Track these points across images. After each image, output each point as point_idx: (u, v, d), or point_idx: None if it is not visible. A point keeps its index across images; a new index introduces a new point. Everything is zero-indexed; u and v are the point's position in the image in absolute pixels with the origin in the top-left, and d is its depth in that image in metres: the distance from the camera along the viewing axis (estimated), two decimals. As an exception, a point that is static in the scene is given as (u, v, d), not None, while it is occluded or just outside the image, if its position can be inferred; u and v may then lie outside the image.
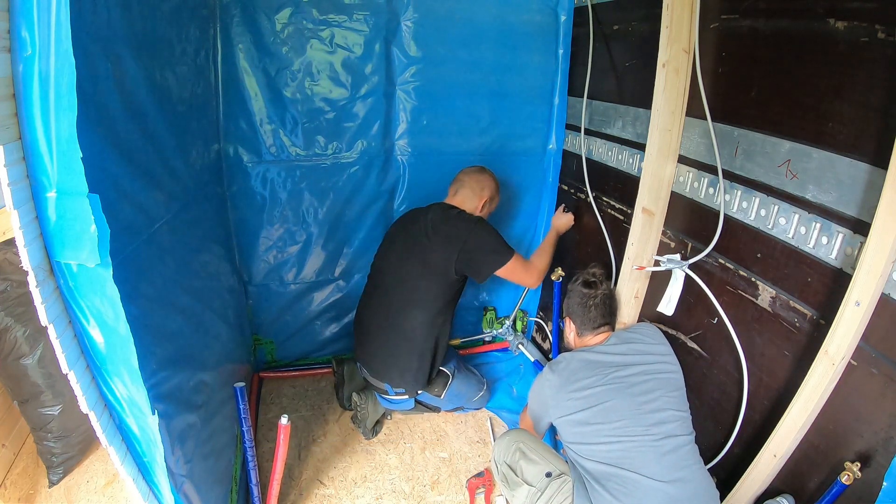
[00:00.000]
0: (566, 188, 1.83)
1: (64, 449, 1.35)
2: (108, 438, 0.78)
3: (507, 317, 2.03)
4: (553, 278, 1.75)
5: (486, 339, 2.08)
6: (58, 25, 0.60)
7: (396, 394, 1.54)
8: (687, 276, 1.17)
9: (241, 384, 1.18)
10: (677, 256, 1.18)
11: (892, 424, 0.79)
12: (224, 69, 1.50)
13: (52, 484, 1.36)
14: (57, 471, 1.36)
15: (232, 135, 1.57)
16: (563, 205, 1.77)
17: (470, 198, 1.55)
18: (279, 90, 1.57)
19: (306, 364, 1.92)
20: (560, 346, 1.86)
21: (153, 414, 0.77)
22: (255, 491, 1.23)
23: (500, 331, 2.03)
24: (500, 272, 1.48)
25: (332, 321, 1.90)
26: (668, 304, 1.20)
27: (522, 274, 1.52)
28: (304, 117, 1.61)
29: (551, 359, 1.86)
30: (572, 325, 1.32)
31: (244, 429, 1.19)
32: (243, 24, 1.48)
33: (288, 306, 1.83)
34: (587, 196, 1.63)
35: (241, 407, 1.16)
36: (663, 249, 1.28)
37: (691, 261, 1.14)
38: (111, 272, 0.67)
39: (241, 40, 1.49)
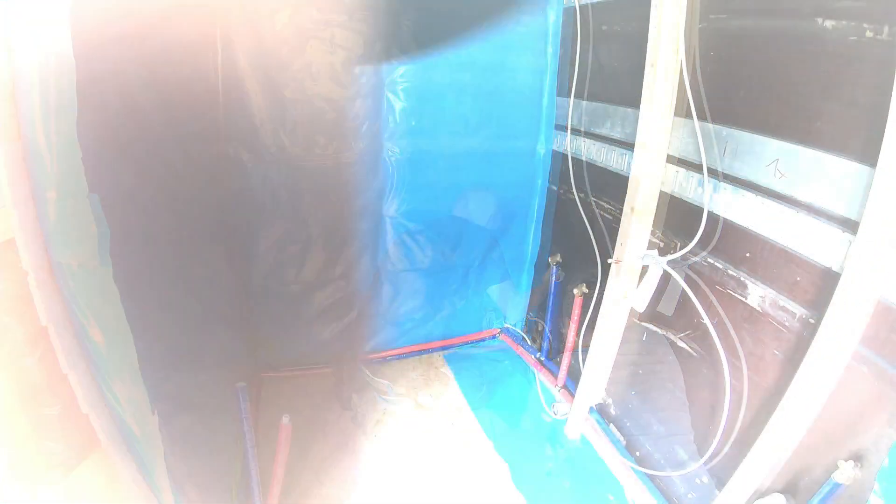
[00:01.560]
0: (556, 188, 1.84)
1: (63, 450, 1.35)
2: (108, 438, 0.79)
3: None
4: (552, 271, 1.76)
5: (486, 338, 2.09)
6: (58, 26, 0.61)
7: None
8: (678, 276, 1.17)
9: (243, 384, 1.19)
10: (654, 252, 1.18)
11: (882, 423, 0.80)
12: (224, 70, 1.52)
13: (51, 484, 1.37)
14: (55, 471, 1.37)
15: (233, 135, 1.59)
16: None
17: None
18: (279, 90, 1.58)
19: (306, 364, 1.93)
20: (559, 346, 1.86)
21: (153, 413, 0.78)
22: (256, 490, 1.24)
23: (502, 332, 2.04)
24: None
25: (332, 321, 1.91)
26: (639, 300, 1.19)
27: None
28: (304, 117, 1.62)
29: (541, 358, 1.87)
30: None
31: (245, 428, 1.20)
32: (244, 24, 1.49)
33: (288, 306, 1.84)
34: (577, 196, 1.63)
35: (243, 407, 1.17)
36: (653, 248, 1.29)
37: (669, 257, 1.14)
38: (111, 272, 0.68)
39: (241, 40, 1.50)
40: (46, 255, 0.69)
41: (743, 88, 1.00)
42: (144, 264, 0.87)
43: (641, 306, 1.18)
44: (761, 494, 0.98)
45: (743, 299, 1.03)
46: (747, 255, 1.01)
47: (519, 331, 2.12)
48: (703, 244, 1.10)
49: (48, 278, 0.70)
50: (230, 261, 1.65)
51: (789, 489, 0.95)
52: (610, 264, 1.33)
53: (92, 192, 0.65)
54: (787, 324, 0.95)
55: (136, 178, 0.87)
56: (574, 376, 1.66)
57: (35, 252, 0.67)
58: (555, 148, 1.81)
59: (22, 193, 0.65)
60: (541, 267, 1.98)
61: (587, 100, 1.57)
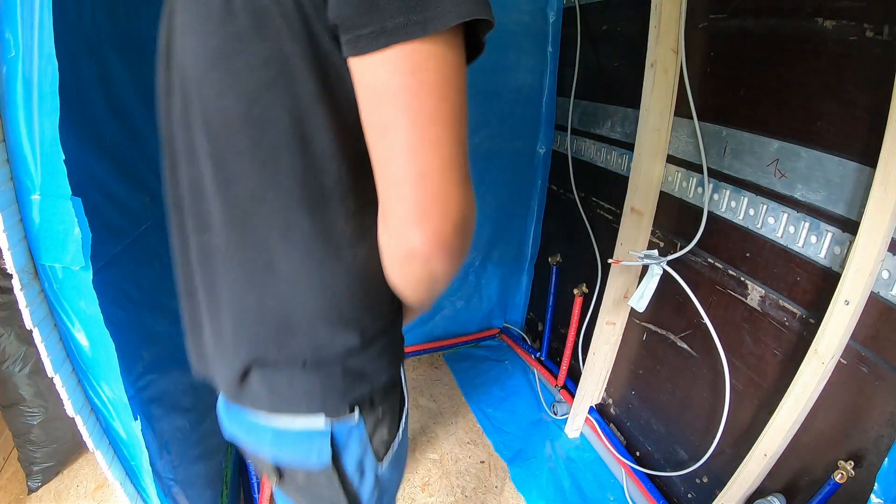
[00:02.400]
0: (556, 188, 1.83)
1: (44, 458, 1.33)
2: (94, 442, 0.78)
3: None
4: (552, 263, 1.75)
5: (486, 338, 2.08)
6: (41, 27, 0.60)
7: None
8: (679, 276, 1.17)
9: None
10: (654, 252, 1.18)
11: (882, 422, 0.80)
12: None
13: (31, 491, 1.35)
14: (35, 478, 1.35)
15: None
16: None
17: None
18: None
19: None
20: (559, 346, 1.86)
21: (136, 419, 0.77)
22: (256, 488, 1.26)
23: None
24: None
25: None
26: (640, 300, 1.18)
27: None
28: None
29: (541, 358, 1.86)
30: None
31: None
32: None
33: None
34: (576, 196, 1.63)
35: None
36: (653, 248, 1.29)
37: (670, 257, 1.14)
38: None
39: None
40: (31, 257, 0.68)
41: (743, 88, 0.99)
42: (130, 267, 0.86)
43: (641, 306, 1.17)
44: (761, 494, 0.97)
45: (743, 299, 1.03)
46: (747, 255, 1.01)
47: (519, 331, 2.11)
48: (703, 244, 1.10)
49: (33, 281, 0.68)
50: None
51: (789, 489, 0.95)
52: (610, 264, 1.33)
53: (75, 195, 0.64)
54: (787, 324, 0.94)
55: (121, 180, 0.85)
56: (574, 376, 1.66)
57: (19, 255, 0.66)
58: (555, 148, 1.80)
59: (6, 196, 0.64)
60: (541, 267, 1.97)
61: (587, 100, 1.57)
